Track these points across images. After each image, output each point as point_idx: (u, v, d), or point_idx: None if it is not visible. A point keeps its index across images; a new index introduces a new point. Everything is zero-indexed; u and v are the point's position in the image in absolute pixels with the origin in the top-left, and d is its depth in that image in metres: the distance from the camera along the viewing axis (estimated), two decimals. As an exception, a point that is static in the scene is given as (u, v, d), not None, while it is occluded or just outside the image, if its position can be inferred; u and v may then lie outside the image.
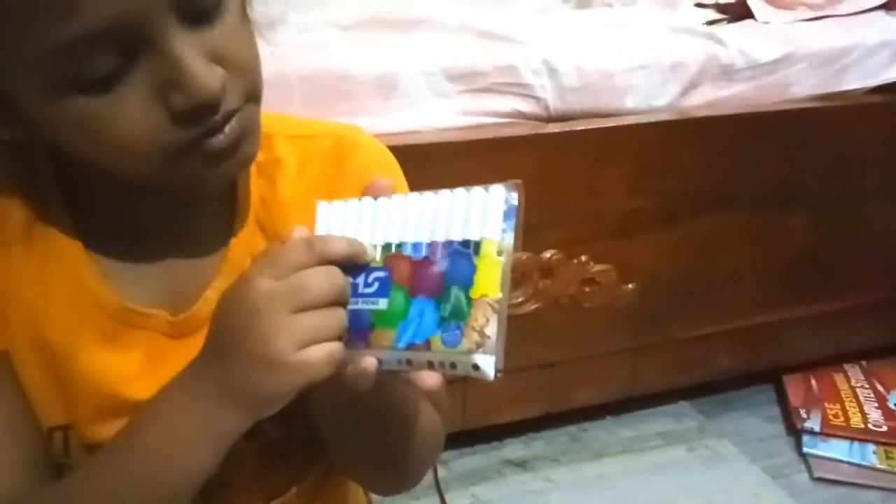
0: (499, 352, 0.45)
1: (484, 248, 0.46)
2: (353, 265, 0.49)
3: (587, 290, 1.40)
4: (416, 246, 0.48)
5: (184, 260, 0.57)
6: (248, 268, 0.49)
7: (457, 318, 0.45)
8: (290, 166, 0.59)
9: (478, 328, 0.45)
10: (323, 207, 0.52)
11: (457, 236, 0.47)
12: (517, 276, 1.34)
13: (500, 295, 0.45)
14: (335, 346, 0.46)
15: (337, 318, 0.47)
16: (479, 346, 0.44)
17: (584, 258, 1.37)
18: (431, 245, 0.48)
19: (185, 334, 0.56)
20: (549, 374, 1.46)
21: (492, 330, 0.45)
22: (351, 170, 0.59)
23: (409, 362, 0.47)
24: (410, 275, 0.48)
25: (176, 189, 0.52)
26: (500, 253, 0.46)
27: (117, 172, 0.49)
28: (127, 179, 0.50)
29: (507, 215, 0.47)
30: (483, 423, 1.45)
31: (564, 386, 1.49)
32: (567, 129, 1.30)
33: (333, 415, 0.57)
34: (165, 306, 0.56)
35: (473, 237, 0.47)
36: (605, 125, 1.31)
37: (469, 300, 0.45)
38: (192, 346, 0.51)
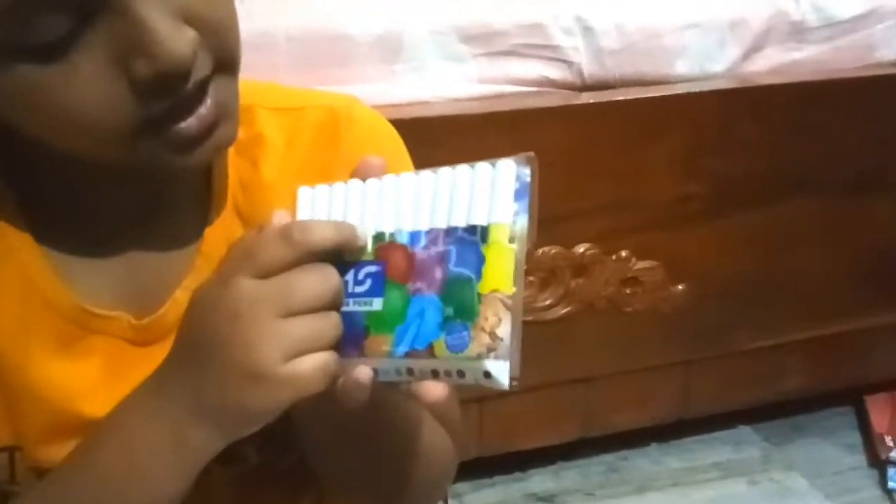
0: (514, 356, 0.45)
1: (493, 235, 0.46)
2: (340, 258, 0.49)
3: (628, 291, 1.40)
4: (413, 235, 0.49)
5: (150, 254, 0.58)
6: (223, 262, 0.50)
7: (463, 317, 0.45)
8: (275, 144, 0.59)
9: (488, 329, 0.45)
10: (304, 193, 0.52)
11: (460, 221, 0.47)
12: (545, 275, 1.34)
13: (513, 289, 0.45)
14: (329, 357, 0.47)
15: (330, 324, 0.48)
16: (490, 349, 0.45)
17: (624, 253, 1.38)
18: (431, 233, 0.48)
19: (151, 341, 0.57)
20: (582, 391, 1.47)
21: (504, 331, 0.45)
22: (346, 148, 0.60)
23: (409, 371, 0.47)
24: (408, 269, 0.48)
25: (140, 173, 0.53)
26: (511, 240, 0.46)
27: (72, 155, 0.50)
28: (83, 163, 0.51)
29: (518, 195, 0.47)
30: (503, 450, 1.46)
31: (601, 406, 1.49)
32: (604, 99, 1.30)
33: (322, 436, 0.58)
34: (128, 308, 0.57)
35: (480, 222, 0.47)
36: (650, 95, 1.31)
37: (477, 296, 0.45)
38: (159, 355, 0.51)
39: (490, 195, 0.47)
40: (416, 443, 0.59)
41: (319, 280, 0.48)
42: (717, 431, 1.63)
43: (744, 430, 1.65)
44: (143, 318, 0.57)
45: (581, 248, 1.35)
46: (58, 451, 0.55)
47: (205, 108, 0.48)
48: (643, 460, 1.58)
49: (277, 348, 0.46)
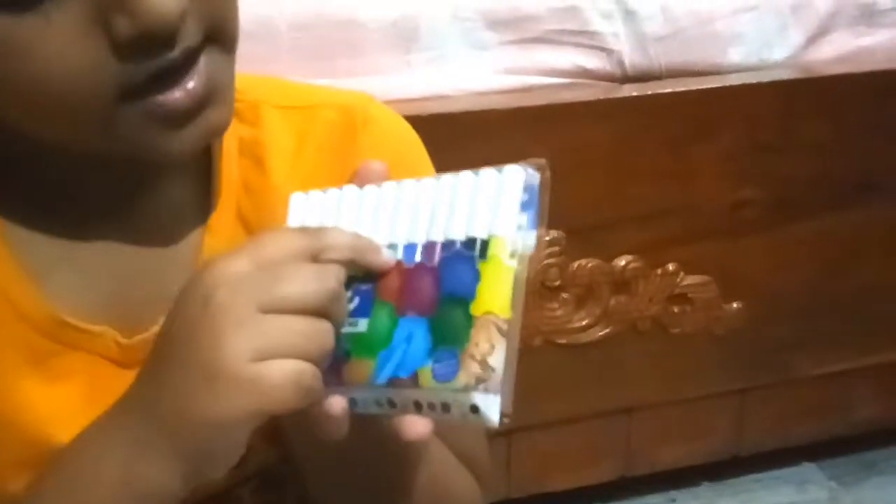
0: (506, 390, 0.44)
1: (492, 249, 0.46)
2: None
3: (676, 309, 1.39)
4: (408, 248, 0.49)
5: (140, 262, 0.57)
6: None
7: (452, 343, 0.45)
8: (284, 145, 0.60)
9: (479, 357, 0.44)
10: (297, 200, 0.53)
11: (459, 234, 0.47)
12: (581, 292, 1.33)
13: (510, 313, 0.45)
14: (304, 367, 0.45)
15: (317, 332, 0.46)
16: (479, 380, 0.44)
17: (671, 267, 1.37)
18: (427, 247, 0.48)
19: (139, 362, 0.55)
20: (624, 423, 1.46)
21: (497, 360, 0.44)
22: (362, 152, 0.60)
23: (391, 403, 0.47)
24: (399, 286, 0.48)
25: (126, 164, 0.52)
26: (513, 256, 0.46)
27: (43, 137, 0.50)
28: (57, 145, 0.50)
29: (525, 205, 0.46)
30: (535, 491, 1.45)
31: (645, 440, 1.48)
32: (648, 92, 1.29)
33: (323, 474, 0.57)
34: (114, 323, 0.57)
35: (480, 234, 0.46)
36: (700, 87, 1.31)
37: (469, 318, 0.45)
38: None
39: (493, 205, 0.47)
40: (435, 485, 0.58)
41: (317, 277, 0.47)
42: (778, 469, 1.62)
43: (808, 469, 1.63)
44: (131, 334, 0.57)
45: (622, 262, 1.35)
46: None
47: (193, 82, 0.48)
48: (693, 502, 1.57)
49: (247, 344, 0.45)
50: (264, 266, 0.46)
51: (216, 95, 0.50)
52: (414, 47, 1.23)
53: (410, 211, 0.49)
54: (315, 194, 0.52)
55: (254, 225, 0.59)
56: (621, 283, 1.35)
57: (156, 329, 0.56)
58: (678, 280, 1.38)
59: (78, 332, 0.56)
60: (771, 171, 1.36)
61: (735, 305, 1.42)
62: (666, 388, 1.44)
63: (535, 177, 0.47)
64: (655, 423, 1.47)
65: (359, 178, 0.52)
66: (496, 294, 0.45)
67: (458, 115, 1.21)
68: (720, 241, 1.38)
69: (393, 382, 0.46)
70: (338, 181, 0.53)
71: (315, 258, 0.47)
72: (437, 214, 0.48)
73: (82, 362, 0.56)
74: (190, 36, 0.48)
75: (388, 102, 0.65)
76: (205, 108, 0.49)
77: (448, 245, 0.47)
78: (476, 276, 0.46)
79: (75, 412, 0.55)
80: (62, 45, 0.45)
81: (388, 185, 0.51)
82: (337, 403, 0.47)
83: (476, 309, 0.45)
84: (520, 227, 0.46)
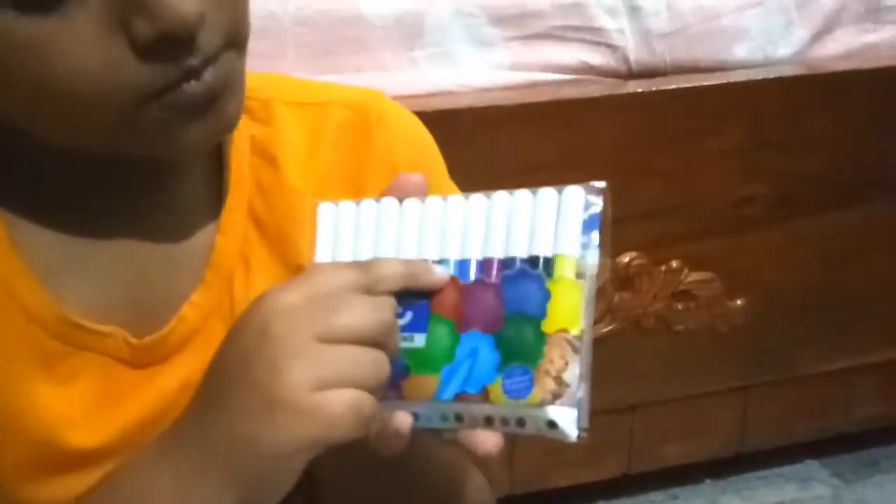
0: (583, 404, 0.45)
1: (559, 268, 0.47)
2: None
3: (680, 306, 1.39)
4: (462, 264, 0.49)
5: (151, 262, 0.57)
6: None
7: (524, 359, 0.46)
8: (297, 143, 0.59)
9: (554, 373, 0.45)
10: (327, 210, 0.52)
11: (520, 252, 0.48)
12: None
13: (581, 329, 0.46)
14: (364, 397, 0.45)
15: (374, 361, 0.46)
16: (555, 396, 0.45)
17: (675, 264, 1.37)
18: (485, 263, 0.48)
19: (151, 363, 0.56)
20: (627, 420, 1.46)
21: (572, 375, 0.45)
22: (378, 151, 0.60)
23: (458, 418, 0.47)
24: (457, 302, 0.48)
25: (136, 163, 0.52)
26: (580, 275, 0.46)
27: (58, 133, 0.50)
28: (72, 144, 0.50)
29: (587, 225, 0.47)
30: (538, 487, 1.45)
31: (648, 437, 1.48)
32: (653, 88, 1.30)
33: (346, 486, 0.57)
34: (124, 323, 0.56)
35: (544, 253, 0.47)
36: (705, 83, 1.31)
37: (541, 336, 0.46)
38: (160, 381, 0.51)
39: (555, 224, 0.48)
40: (450, 487, 0.58)
41: (372, 308, 0.47)
42: (781, 467, 1.62)
43: (811, 466, 1.63)
44: (142, 335, 0.56)
45: (626, 258, 1.35)
46: (43, 491, 0.54)
47: (210, 76, 0.48)
48: (696, 500, 1.57)
49: (307, 374, 0.45)
50: (317, 299, 0.47)
51: (230, 90, 0.50)
52: (418, 44, 1.23)
53: (461, 227, 0.50)
54: (347, 205, 0.52)
55: (267, 224, 0.58)
56: (625, 280, 1.35)
57: (167, 329, 0.56)
58: (682, 277, 1.38)
59: (88, 333, 0.55)
60: (775, 168, 1.36)
61: (739, 302, 1.42)
62: (669, 385, 1.44)
63: (596, 198, 0.48)
64: (659, 420, 1.47)
65: (396, 190, 0.52)
66: (567, 312, 0.46)
67: (462, 112, 1.21)
68: (724, 238, 1.38)
69: (460, 397, 0.47)
70: (353, 181, 0.53)
71: (368, 290, 0.48)
72: (492, 231, 0.49)
73: (93, 364, 0.56)
74: (209, 42, 0.48)
75: (393, 99, 0.65)
76: (218, 101, 0.50)
77: (508, 262, 0.48)
78: (546, 295, 0.47)
79: (86, 414, 0.55)
80: (84, 47, 0.46)
81: (433, 200, 0.51)
82: (403, 419, 0.47)
83: (548, 327, 0.46)
84: (584, 247, 0.47)
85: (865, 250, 1.45)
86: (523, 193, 0.49)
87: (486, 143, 1.19)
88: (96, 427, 0.53)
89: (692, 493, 1.58)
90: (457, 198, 0.51)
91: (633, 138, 1.29)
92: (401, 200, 0.51)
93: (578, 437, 0.45)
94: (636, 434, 1.47)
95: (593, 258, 0.47)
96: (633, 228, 1.33)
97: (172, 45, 0.46)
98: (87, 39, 0.45)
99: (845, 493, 1.58)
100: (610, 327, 1.37)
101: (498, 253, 0.48)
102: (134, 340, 0.56)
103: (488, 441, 0.47)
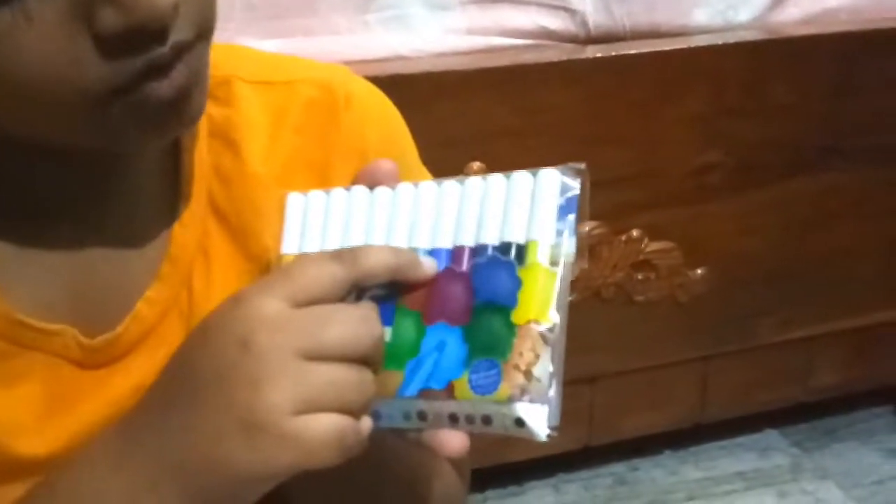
0: (554, 401, 0.44)
1: (531, 256, 0.45)
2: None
3: (640, 276, 1.40)
4: (432, 253, 0.48)
5: (104, 255, 0.54)
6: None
7: (492, 352, 0.44)
8: (258, 127, 0.57)
9: (523, 367, 0.44)
10: (295, 201, 0.51)
11: (492, 239, 0.46)
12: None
13: (555, 321, 0.44)
14: (348, 424, 0.44)
15: (361, 384, 0.44)
16: (524, 391, 0.43)
17: (635, 233, 1.37)
18: (455, 251, 0.47)
19: (104, 364, 0.54)
20: (587, 392, 1.46)
21: (543, 370, 0.44)
22: (346, 136, 0.58)
23: (421, 416, 0.46)
24: (424, 293, 0.47)
25: (86, 155, 0.50)
26: (554, 262, 0.45)
27: (17, 129, 0.47)
28: (26, 136, 0.48)
29: (563, 210, 0.46)
30: (498, 461, 1.45)
31: (608, 409, 1.49)
32: (612, 53, 1.29)
33: (311, 485, 0.56)
34: (75, 321, 0.54)
35: (516, 239, 0.46)
36: (665, 48, 1.31)
37: (511, 328, 0.44)
38: (113, 383, 0.49)
39: (529, 209, 0.46)
40: (421, 486, 0.57)
41: (361, 322, 0.45)
42: (741, 437, 1.64)
43: (770, 435, 1.66)
44: (94, 333, 0.54)
45: (585, 227, 1.34)
46: None
47: (180, 74, 0.46)
48: (656, 471, 1.58)
49: (289, 395, 0.43)
50: (303, 303, 0.44)
51: (198, 83, 0.48)
52: (372, 6, 1.21)
53: (432, 214, 0.48)
54: (316, 195, 0.50)
55: (227, 214, 0.56)
56: (585, 250, 1.35)
57: (121, 328, 0.54)
58: (642, 246, 1.38)
59: (34, 332, 0.53)
60: (736, 135, 1.37)
61: (699, 272, 1.42)
62: (629, 356, 1.45)
63: (573, 181, 0.46)
64: (618, 391, 1.48)
65: (366, 178, 0.50)
66: (539, 302, 0.44)
67: (417, 77, 1.19)
68: (684, 206, 1.38)
69: (424, 394, 0.45)
70: (320, 166, 0.52)
71: (355, 285, 0.46)
72: (463, 218, 0.47)
73: (41, 364, 0.53)
74: (182, 31, 0.45)
75: (345, 64, 0.63)
76: (187, 97, 0.47)
77: (479, 249, 0.46)
78: (516, 283, 0.45)
79: (35, 419, 0.53)
80: (43, 42, 0.43)
81: (404, 187, 0.49)
82: (363, 422, 0.45)
83: (518, 317, 0.44)
84: (560, 233, 0.45)
85: (826, 218, 1.46)
86: (497, 178, 0.47)
87: (441, 110, 1.18)
88: (46, 433, 0.51)
89: (652, 464, 1.59)
90: (429, 184, 0.49)
91: (592, 104, 1.29)
92: (371, 188, 0.50)
93: (548, 436, 0.44)
94: (595, 406, 1.48)
95: (570, 244, 0.45)
96: (593, 197, 1.30)
97: (142, 37, 0.43)
98: (49, 33, 0.43)
99: (805, 462, 1.61)
100: (569, 298, 1.36)
101: (469, 240, 0.47)
102: (85, 340, 0.54)
103: (453, 441, 0.45)
